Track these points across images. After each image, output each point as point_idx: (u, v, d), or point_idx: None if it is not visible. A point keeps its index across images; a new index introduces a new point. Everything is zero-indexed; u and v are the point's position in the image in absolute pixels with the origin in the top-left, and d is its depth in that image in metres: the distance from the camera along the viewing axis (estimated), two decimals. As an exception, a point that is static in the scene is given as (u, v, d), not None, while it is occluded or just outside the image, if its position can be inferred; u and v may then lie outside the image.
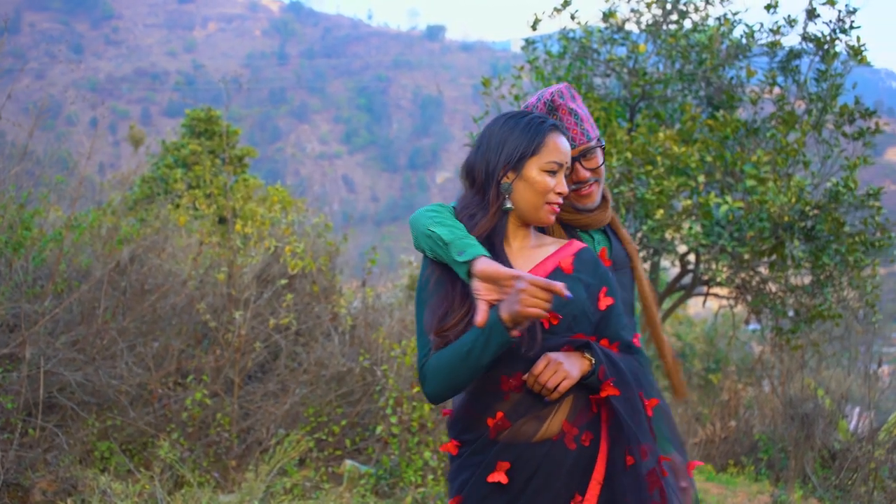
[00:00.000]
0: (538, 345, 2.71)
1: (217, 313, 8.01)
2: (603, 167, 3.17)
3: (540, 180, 2.84)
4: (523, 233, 2.94)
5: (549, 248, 2.93)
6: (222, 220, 12.91)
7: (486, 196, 2.89)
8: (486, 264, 2.69)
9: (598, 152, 3.15)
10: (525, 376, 2.71)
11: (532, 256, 2.90)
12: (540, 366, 2.68)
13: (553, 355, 2.68)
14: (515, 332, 2.61)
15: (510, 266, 2.81)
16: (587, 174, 3.12)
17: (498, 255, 2.82)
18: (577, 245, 2.95)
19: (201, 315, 7.78)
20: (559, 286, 2.57)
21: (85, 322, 7.33)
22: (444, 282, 2.86)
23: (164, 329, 7.94)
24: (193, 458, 6.85)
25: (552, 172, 2.86)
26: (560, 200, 2.88)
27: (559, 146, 2.87)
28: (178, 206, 11.99)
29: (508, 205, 2.86)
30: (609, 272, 2.94)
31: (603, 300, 2.88)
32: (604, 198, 3.23)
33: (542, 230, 3.06)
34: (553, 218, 2.89)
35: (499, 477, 2.72)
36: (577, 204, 3.14)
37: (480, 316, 2.62)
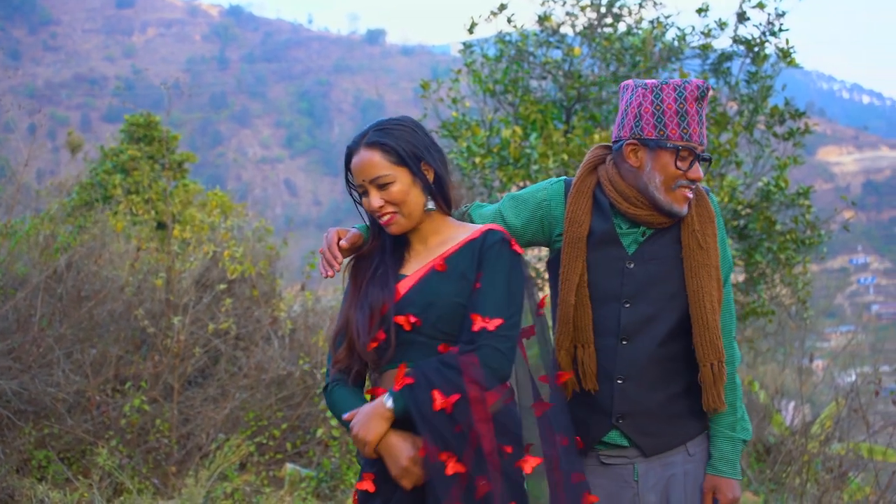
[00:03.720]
0: (392, 349, 2.73)
1: (155, 319, 7.97)
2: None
3: (365, 203, 2.82)
4: (429, 230, 2.88)
5: (445, 246, 2.84)
6: (161, 226, 12.83)
7: None
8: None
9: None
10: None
11: (426, 257, 2.85)
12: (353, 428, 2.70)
13: (355, 419, 2.68)
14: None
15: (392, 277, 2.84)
16: (701, 175, 2.96)
17: (388, 268, 2.84)
18: (472, 234, 2.83)
19: (139, 321, 7.74)
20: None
21: (21, 330, 7.27)
22: (348, 289, 2.91)
23: (101, 336, 7.89)
24: (133, 465, 6.82)
25: (364, 194, 2.81)
26: (381, 212, 2.79)
27: (355, 167, 2.81)
28: (116, 212, 11.89)
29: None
30: (504, 255, 2.77)
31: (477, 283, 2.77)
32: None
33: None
34: (396, 227, 2.81)
35: (366, 486, 2.74)
36: (672, 204, 2.94)
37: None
